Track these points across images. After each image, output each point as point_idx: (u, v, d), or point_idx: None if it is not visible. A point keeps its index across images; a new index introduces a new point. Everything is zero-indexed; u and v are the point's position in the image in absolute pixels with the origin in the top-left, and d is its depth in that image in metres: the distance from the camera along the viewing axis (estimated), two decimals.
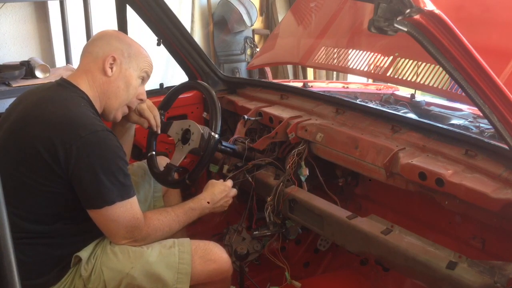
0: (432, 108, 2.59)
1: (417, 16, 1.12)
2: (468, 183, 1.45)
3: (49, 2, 3.81)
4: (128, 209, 1.51)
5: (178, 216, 1.68)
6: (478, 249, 1.64)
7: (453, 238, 1.71)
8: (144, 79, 1.73)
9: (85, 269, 1.55)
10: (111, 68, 1.61)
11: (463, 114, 2.44)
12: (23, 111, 1.55)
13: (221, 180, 1.91)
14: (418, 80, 2.23)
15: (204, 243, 1.69)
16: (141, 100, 1.76)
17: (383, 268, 1.97)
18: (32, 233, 1.50)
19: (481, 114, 1.38)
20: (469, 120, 2.32)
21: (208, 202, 1.79)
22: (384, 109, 2.01)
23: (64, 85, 1.59)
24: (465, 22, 1.97)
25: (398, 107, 2.57)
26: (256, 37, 5.20)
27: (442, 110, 2.53)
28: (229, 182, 1.90)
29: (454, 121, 2.32)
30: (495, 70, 1.23)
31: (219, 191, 1.83)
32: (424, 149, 1.68)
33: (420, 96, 2.75)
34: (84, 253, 1.57)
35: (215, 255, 1.67)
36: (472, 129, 2.13)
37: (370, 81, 3.61)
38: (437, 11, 1.14)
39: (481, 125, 2.16)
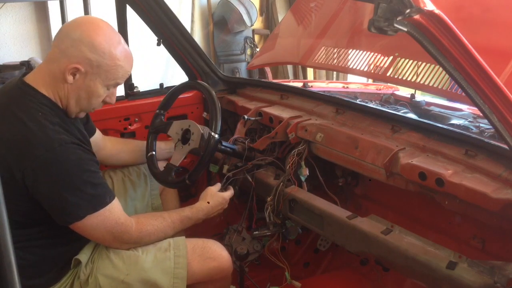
0: (432, 108, 2.59)
1: (417, 16, 1.12)
2: (468, 183, 1.45)
3: (49, 2, 3.81)
4: (107, 217, 1.48)
5: (174, 223, 1.67)
6: (478, 249, 1.64)
7: (453, 238, 1.71)
8: (114, 86, 1.59)
9: (83, 273, 1.55)
10: (73, 76, 1.47)
11: (463, 114, 2.44)
12: None
13: (219, 185, 1.91)
14: (418, 80, 2.23)
15: (203, 241, 1.69)
16: (107, 102, 1.62)
17: (383, 268, 1.97)
18: (27, 235, 1.49)
19: (481, 114, 1.38)
20: (469, 120, 2.32)
21: (204, 212, 1.78)
22: (384, 109, 2.01)
23: (23, 90, 1.48)
24: (465, 22, 1.97)
25: (398, 107, 2.57)
26: (256, 37, 5.20)
27: (442, 110, 2.53)
28: (228, 195, 1.89)
29: (454, 121, 2.32)
30: (495, 70, 1.23)
31: (216, 204, 1.83)
32: (424, 149, 1.68)
33: (420, 96, 2.75)
34: (83, 256, 1.56)
35: (214, 253, 1.66)
36: (472, 129, 2.13)
37: (370, 81, 3.61)
38: (437, 11, 1.14)
39: (481, 125, 2.16)
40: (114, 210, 1.51)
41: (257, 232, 1.98)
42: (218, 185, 1.92)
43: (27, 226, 1.49)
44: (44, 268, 1.54)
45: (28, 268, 1.49)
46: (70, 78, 1.46)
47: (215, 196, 1.85)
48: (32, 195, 1.41)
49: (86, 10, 3.56)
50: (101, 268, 1.55)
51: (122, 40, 1.56)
